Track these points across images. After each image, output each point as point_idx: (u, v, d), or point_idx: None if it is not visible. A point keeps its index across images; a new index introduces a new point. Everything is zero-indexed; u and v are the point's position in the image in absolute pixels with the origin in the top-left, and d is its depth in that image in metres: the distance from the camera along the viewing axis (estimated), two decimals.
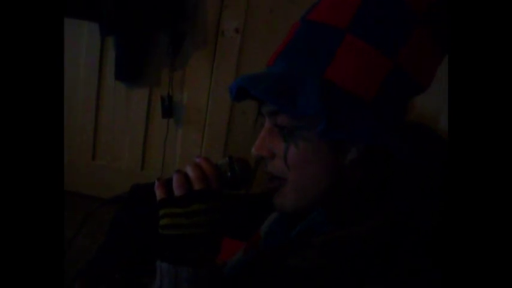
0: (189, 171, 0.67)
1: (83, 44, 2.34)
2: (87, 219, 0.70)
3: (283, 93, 0.60)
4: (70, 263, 0.78)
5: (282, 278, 0.64)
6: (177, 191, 0.66)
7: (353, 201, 0.66)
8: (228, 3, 2.22)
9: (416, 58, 0.63)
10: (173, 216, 0.65)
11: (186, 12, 2.20)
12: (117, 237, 1.19)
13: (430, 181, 0.65)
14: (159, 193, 0.67)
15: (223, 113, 2.38)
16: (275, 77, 0.62)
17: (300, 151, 0.63)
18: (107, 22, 2.08)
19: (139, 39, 2.25)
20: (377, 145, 0.62)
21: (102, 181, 2.55)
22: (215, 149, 2.46)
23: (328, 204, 0.67)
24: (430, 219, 0.61)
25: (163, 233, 0.66)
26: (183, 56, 2.31)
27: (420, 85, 0.66)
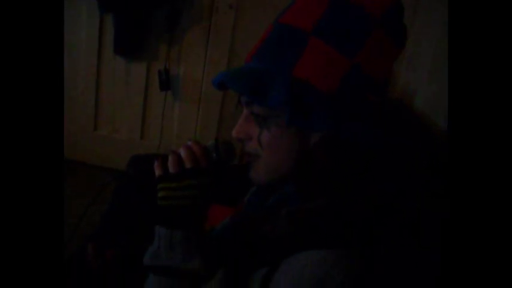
0: (182, 152, 0.79)
1: (82, 20, 2.40)
2: (101, 192, 0.82)
3: (256, 88, 0.70)
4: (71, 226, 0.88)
5: (256, 242, 0.76)
6: (171, 169, 0.78)
7: (318, 179, 0.76)
8: None
9: (374, 57, 0.72)
10: (168, 190, 0.77)
11: None
12: (120, 206, 1.31)
13: (413, 163, 0.73)
14: (157, 171, 0.79)
15: None
16: (250, 74, 0.72)
17: (272, 134, 0.74)
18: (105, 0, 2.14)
19: (137, 16, 2.30)
20: (336, 132, 0.71)
21: (103, 150, 2.66)
22: (210, 120, 2.55)
23: (296, 180, 0.78)
24: (415, 201, 0.70)
25: (161, 203, 0.78)
26: (180, 31, 2.38)
27: (377, 79, 0.74)
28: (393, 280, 0.69)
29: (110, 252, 0.89)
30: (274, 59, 0.72)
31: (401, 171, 0.74)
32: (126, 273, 0.90)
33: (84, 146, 2.65)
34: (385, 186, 0.73)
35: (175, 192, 0.77)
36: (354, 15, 0.71)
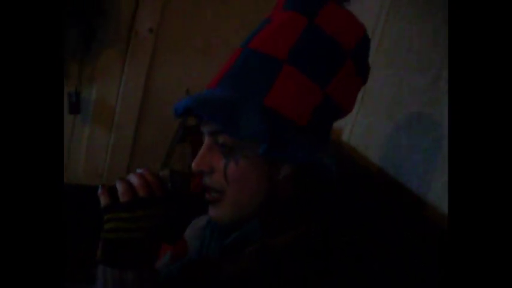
0: (133, 179, 0.69)
1: None
2: None
3: (227, 117, 0.64)
4: None
5: (219, 285, 0.69)
6: (122, 197, 0.67)
7: (284, 213, 0.72)
8: (143, 3, 2.21)
9: (343, 88, 0.71)
10: (119, 220, 0.67)
11: (99, 7, 2.15)
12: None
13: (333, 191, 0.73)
14: (103, 199, 0.68)
15: (132, 113, 2.34)
16: (220, 101, 0.66)
17: (239, 167, 0.68)
18: None
19: None
20: (307, 163, 0.68)
21: None
22: (122, 149, 2.42)
23: (261, 216, 0.72)
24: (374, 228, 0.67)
25: (108, 237, 0.67)
26: (94, 53, 2.25)
27: (344, 110, 0.74)
28: None
29: None
30: (246, 87, 0.68)
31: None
32: None
33: None
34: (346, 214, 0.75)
35: (126, 224, 0.67)
36: (329, 44, 0.69)
